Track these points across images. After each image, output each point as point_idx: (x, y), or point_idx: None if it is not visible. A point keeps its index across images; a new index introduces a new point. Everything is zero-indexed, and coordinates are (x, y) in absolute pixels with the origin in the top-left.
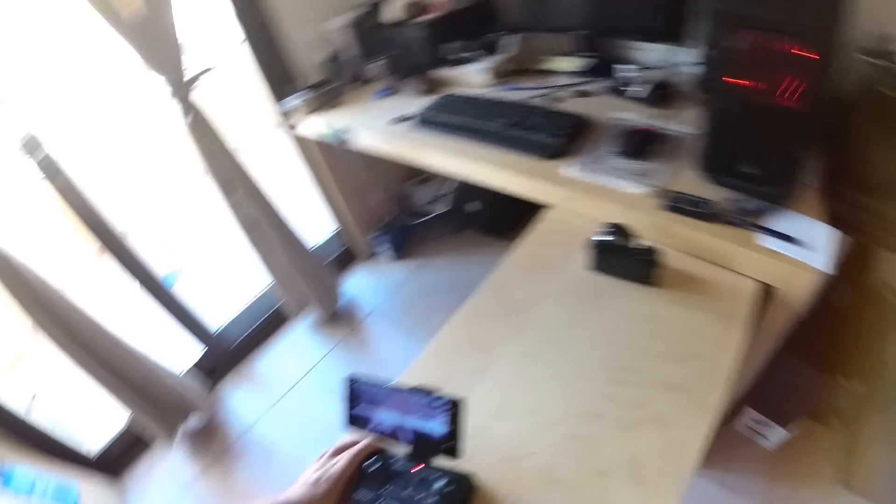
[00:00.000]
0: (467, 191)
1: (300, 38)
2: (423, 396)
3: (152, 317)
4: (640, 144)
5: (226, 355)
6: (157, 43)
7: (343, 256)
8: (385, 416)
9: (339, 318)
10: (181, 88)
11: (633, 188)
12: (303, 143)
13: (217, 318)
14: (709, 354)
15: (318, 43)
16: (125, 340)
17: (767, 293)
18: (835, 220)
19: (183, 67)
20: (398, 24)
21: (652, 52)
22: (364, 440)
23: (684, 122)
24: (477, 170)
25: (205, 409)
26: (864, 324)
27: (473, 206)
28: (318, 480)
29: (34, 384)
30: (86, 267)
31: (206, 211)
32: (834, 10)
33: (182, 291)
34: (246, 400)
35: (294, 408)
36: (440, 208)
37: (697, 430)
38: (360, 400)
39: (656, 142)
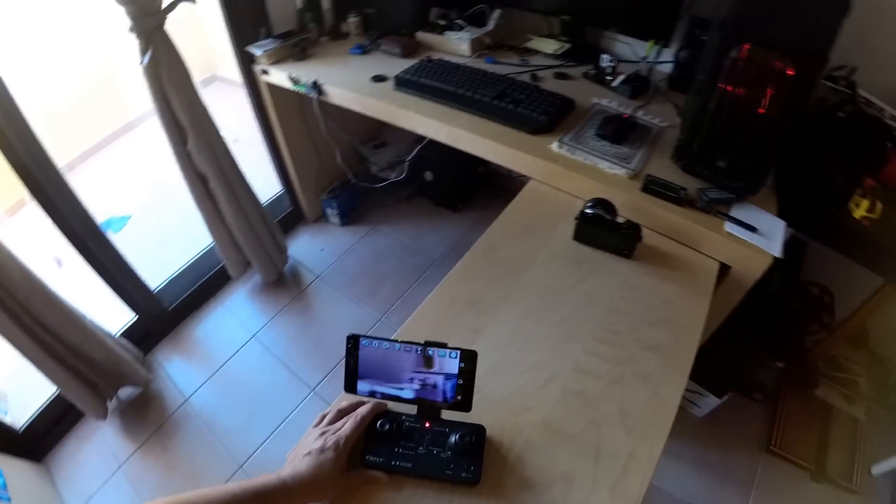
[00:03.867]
0: (423, 160)
1: None
2: (434, 350)
3: (76, 276)
4: (619, 130)
5: (161, 319)
6: None
7: (289, 217)
8: (396, 373)
9: (284, 281)
10: (146, 20)
11: (614, 169)
12: (273, 92)
13: (153, 277)
14: (680, 320)
15: None
16: (59, 295)
17: (721, 272)
18: (782, 214)
19: None
20: None
21: (629, 46)
22: (370, 402)
23: (655, 115)
24: (463, 136)
25: (140, 379)
26: (791, 311)
27: (428, 176)
28: (322, 448)
29: None
30: None
31: (158, 159)
32: (826, 36)
33: (122, 242)
34: (183, 368)
35: (236, 377)
36: (394, 175)
37: (675, 385)
38: (365, 357)
39: (633, 129)
